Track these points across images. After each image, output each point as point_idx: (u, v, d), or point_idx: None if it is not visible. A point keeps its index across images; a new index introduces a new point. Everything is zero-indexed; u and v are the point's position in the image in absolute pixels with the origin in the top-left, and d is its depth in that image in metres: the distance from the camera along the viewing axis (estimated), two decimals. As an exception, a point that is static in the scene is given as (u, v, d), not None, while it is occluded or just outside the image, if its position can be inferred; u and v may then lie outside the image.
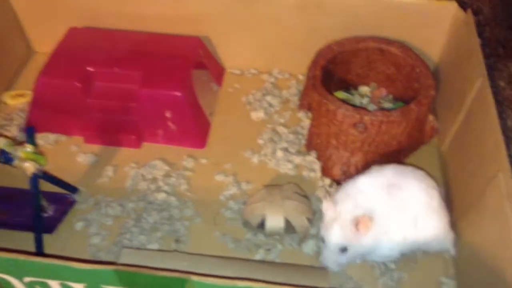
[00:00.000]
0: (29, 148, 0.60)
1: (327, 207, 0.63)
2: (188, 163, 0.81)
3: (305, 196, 0.72)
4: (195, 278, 0.50)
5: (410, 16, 0.83)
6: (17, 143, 0.60)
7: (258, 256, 0.69)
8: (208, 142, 0.84)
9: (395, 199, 0.63)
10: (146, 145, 0.84)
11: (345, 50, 0.81)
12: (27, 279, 0.56)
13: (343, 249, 0.62)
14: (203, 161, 0.81)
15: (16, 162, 0.60)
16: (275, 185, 0.72)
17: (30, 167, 0.61)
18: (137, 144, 0.83)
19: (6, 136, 0.79)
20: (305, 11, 0.86)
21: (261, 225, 0.69)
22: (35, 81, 0.81)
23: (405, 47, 0.81)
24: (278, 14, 0.87)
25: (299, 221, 0.69)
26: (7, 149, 0.59)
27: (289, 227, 0.69)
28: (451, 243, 0.66)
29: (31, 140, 0.60)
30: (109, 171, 0.79)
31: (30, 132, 0.60)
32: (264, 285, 0.50)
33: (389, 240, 0.63)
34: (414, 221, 0.63)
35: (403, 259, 0.68)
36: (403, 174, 0.65)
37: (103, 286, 0.55)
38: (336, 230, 0.61)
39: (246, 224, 0.71)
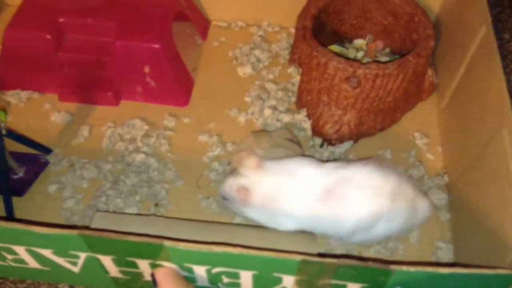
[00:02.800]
0: (-14, 103, 0.54)
1: (248, 164, 0.57)
2: (170, 122, 0.75)
3: (298, 143, 0.67)
4: (167, 243, 0.46)
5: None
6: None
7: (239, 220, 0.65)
8: (191, 100, 0.79)
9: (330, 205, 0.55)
10: (124, 103, 0.78)
11: (338, -2, 0.75)
12: (-9, 246, 0.52)
13: (224, 198, 0.59)
14: (186, 120, 0.76)
15: (-27, 120, 0.54)
16: (265, 131, 0.68)
17: (-10, 125, 0.55)
18: (114, 101, 0.77)
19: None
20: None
21: None
22: (3, 34, 0.75)
23: (403, -6, 0.74)
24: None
25: None
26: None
27: None
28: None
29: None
30: (84, 130, 0.74)
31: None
32: (241, 249, 0.45)
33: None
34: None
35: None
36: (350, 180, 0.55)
37: (72, 251, 0.51)
38: (228, 183, 0.57)
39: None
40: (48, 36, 0.74)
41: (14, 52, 0.75)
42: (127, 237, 0.46)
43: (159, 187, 0.67)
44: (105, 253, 0.50)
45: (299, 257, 0.45)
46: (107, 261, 0.52)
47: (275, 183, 0.56)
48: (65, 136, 0.74)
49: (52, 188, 0.68)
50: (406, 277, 0.46)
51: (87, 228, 0.49)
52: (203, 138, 0.74)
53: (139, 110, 0.77)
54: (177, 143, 0.73)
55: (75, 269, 0.55)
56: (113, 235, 0.46)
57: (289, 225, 0.57)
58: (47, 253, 0.52)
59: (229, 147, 0.72)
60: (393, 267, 0.44)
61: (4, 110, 0.56)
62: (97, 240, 0.48)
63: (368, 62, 0.66)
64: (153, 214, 0.64)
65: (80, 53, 0.75)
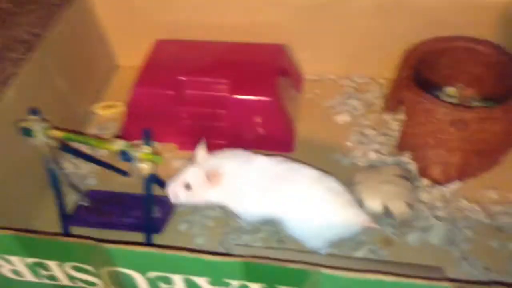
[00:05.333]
0: (146, 149, 0.62)
1: (200, 154, 0.70)
2: (280, 166, 0.82)
3: (408, 179, 0.71)
4: (324, 270, 0.50)
5: (494, 16, 0.83)
6: (135, 145, 0.63)
7: (360, 254, 0.69)
8: (296, 147, 0.85)
9: (275, 185, 0.67)
10: (235, 150, 0.86)
11: (432, 50, 0.82)
12: (152, 274, 0.58)
13: (187, 186, 0.69)
14: (293, 164, 0.82)
15: (134, 163, 0.62)
16: (374, 167, 0.73)
17: (146, 168, 0.63)
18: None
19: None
20: (384, 13, 0.87)
21: None
22: (131, 91, 0.85)
23: (495, 45, 0.80)
24: (356, 17, 0.88)
25: (397, 207, 0.69)
26: (127, 150, 0.61)
27: (388, 213, 0.69)
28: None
29: (148, 141, 0.63)
30: (204, 175, 0.81)
31: (147, 134, 0.63)
32: (395, 278, 0.49)
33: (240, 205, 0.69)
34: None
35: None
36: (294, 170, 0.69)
37: (226, 280, 0.56)
38: (192, 170, 0.70)
39: None
40: (171, 93, 0.83)
41: (140, 106, 0.85)
42: (287, 264, 0.51)
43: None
44: (259, 280, 0.55)
45: (448, 284, 0.49)
46: (256, 289, 0.56)
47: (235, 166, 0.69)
48: (187, 181, 0.81)
49: (182, 227, 0.74)
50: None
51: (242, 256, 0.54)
52: (312, 180, 0.79)
53: (253, 156, 0.84)
54: (289, 186, 0.79)
55: (221, 298, 0.60)
56: (276, 263, 0.51)
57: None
58: (202, 282, 0.57)
59: (338, 188, 0.78)
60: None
61: (160, 156, 0.64)
62: (256, 268, 0.53)
63: (473, 107, 0.71)
64: (282, 248, 0.69)
65: (197, 106, 0.84)
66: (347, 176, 0.78)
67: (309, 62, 0.97)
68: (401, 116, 0.86)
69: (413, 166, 0.77)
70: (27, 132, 0.65)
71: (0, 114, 0.70)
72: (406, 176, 0.72)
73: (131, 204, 0.76)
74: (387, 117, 0.87)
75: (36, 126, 0.64)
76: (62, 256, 0.59)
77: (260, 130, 0.83)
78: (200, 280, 0.57)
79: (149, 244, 0.69)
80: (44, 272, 0.62)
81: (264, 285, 0.56)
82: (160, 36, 0.94)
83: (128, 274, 0.58)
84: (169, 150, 0.86)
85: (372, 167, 0.75)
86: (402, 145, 0.80)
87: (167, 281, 0.58)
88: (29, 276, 0.64)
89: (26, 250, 0.59)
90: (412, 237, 0.70)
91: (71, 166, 0.84)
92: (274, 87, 0.83)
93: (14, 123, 0.67)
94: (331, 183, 0.68)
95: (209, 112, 0.84)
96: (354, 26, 0.89)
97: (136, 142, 0.64)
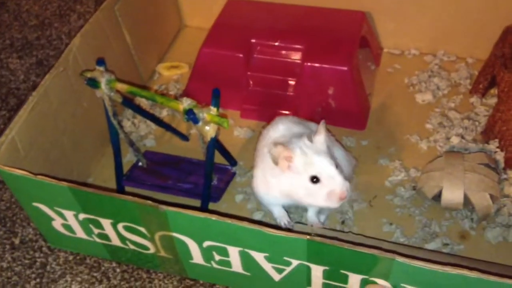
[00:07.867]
0: (213, 111, 0.58)
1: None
2: (350, 142, 0.75)
3: (494, 169, 0.63)
4: (400, 259, 0.45)
5: None
6: (201, 105, 0.59)
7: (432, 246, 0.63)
8: (368, 124, 0.78)
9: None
10: (302, 122, 0.80)
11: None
12: (207, 243, 0.54)
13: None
14: (364, 143, 0.76)
15: (200, 124, 0.58)
16: (458, 152, 0.66)
17: (211, 131, 0.59)
18: (293, 121, 0.79)
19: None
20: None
21: (437, 197, 0.64)
22: (198, 51, 0.80)
23: None
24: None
25: (480, 198, 0.62)
26: (194, 109, 0.57)
27: (468, 204, 0.62)
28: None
29: (216, 102, 0.58)
30: (266, 146, 0.76)
31: (216, 94, 0.58)
32: (478, 274, 0.43)
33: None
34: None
35: None
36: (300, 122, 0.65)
37: (287, 258, 0.51)
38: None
39: (419, 192, 0.66)
40: (241, 55, 0.78)
41: (206, 68, 0.81)
42: (355, 247, 0.46)
43: (346, 205, 0.67)
44: (323, 263, 0.50)
45: None
46: (318, 271, 0.51)
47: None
48: (248, 150, 0.76)
49: (238, 198, 0.70)
50: None
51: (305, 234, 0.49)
52: (383, 162, 0.73)
53: (318, 130, 0.78)
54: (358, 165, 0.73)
55: (277, 277, 0.55)
56: (343, 244, 0.46)
57: None
58: (259, 257, 0.53)
59: (413, 173, 0.71)
60: None
61: (227, 119, 0.59)
62: (324, 249, 0.48)
63: None
64: (350, 232, 0.64)
65: (267, 73, 0.79)
66: (424, 160, 0.71)
67: (391, 34, 0.88)
68: (490, 101, 0.78)
69: (500, 156, 0.68)
70: (92, 83, 0.62)
71: (65, 63, 0.68)
72: (493, 166, 0.64)
73: (189, 169, 0.72)
74: (474, 100, 0.78)
75: (101, 77, 0.61)
76: (116, 215, 0.56)
77: (331, 103, 0.77)
78: (257, 255, 0.53)
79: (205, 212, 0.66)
80: (96, 230, 0.60)
81: (327, 268, 0.51)
82: (234, -4, 0.89)
83: (182, 240, 0.55)
84: (231, 117, 0.81)
85: (454, 152, 0.67)
86: (490, 132, 0.71)
87: (222, 252, 0.55)
88: (80, 233, 0.62)
89: (81, 204, 0.57)
90: (491, 234, 0.63)
91: (130, 125, 0.81)
92: (351, 57, 0.76)
93: (80, 73, 0.65)
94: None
95: (278, 79, 0.78)
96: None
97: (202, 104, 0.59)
